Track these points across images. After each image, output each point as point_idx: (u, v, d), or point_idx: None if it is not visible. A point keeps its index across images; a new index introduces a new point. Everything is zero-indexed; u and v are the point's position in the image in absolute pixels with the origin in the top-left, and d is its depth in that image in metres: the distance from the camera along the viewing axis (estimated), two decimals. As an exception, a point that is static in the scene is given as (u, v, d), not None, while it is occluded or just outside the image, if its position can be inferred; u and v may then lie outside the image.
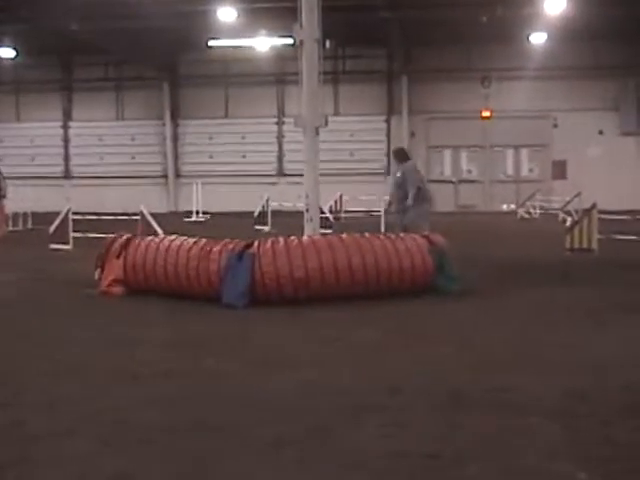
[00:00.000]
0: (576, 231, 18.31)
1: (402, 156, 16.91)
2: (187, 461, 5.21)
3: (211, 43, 39.29)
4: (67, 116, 44.79)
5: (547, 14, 32.88)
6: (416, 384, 6.92)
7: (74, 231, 20.72)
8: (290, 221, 19.26)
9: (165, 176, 43.77)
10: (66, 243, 20.26)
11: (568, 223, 21.98)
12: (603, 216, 19.04)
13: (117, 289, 12.42)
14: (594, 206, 18.29)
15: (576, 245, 18.13)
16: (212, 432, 5.75)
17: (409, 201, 15.93)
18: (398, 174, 16.46)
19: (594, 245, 18.02)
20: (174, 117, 43.58)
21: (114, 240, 12.88)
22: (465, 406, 6.27)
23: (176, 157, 43.84)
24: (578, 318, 10.20)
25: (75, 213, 21.45)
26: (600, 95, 40.31)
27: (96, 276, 12.88)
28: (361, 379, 7.15)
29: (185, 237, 12.57)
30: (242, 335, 9.31)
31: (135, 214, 16.62)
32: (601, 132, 41.03)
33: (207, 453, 5.33)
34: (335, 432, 5.69)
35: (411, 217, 15.97)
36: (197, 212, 34.27)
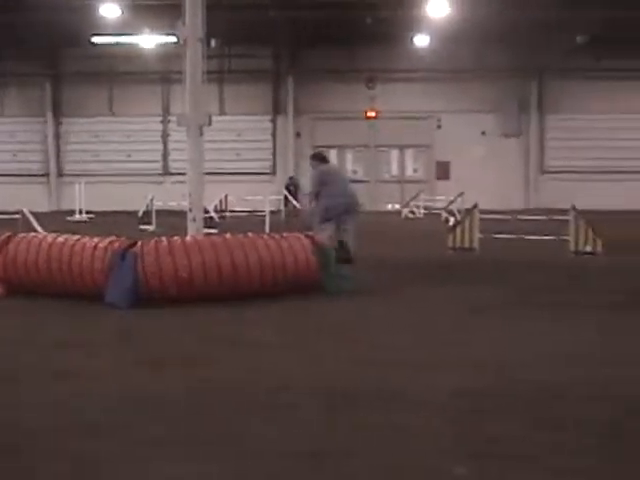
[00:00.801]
0: (458, 230, 18.61)
1: (316, 161, 16.83)
2: (67, 462, 5.13)
3: (95, 39, 38.80)
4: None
5: (431, 17, 33.37)
6: (304, 382, 6.94)
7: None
8: (175, 221, 19.14)
9: (47, 174, 43.07)
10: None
11: (451, 223, 22.37)
12: (484, 216, 19.36)
13: (-4, 289, 12.18)
14: (476, 206, 18.60)
15: (458, 244, 18.42)
16: (96, 433, 5.66)
17: (304, 204, 16.02)
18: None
19: (475, 244, 18.34)
20: (57, 115, 42.95)
21: (-7, 238, 12.61)
22: (353, 403, 6.31)
23: (58, 155, 43.19)
24: (462, 316, 10.34)
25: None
26: (483, 97, 41.12)
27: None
28: (250, 377, 7.14)
29: (69, 235, 12.39)
30: (126, 335, 9.20)
31: (15, 213, 16.32)
32: (484, 133, 41.82)
33: (91, 454, 5.24)
34: (222, 431, 5.67)
35: (313, 220, 16.01)
36: (80, 211, 33.79)
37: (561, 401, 6.41)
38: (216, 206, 29.60)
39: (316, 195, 15.95)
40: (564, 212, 19.67)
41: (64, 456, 5.24)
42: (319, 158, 17.05)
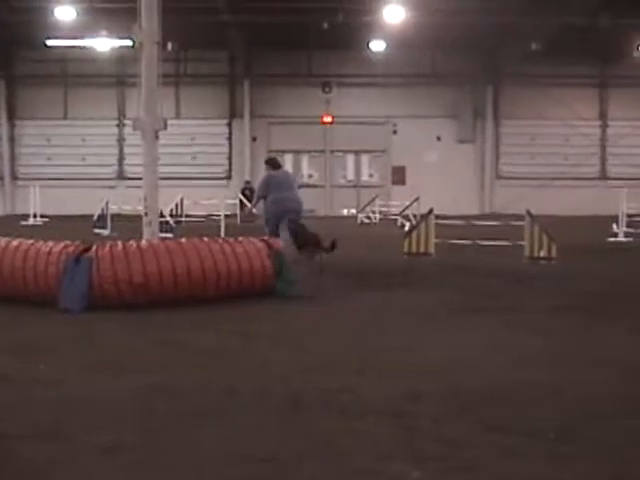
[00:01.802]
0: (414, 235, 18.66)
1: (268, 165, 17.43)
2: (19, 468, 5.11)
3: (49, 42, 38.54)
4: None
5: (387, 22, 33.46)
6: (254, 386, 6.94)
7: None
8: (130, 225, 19.05)
9: (1, 178, 42.71)
10: None
11: (406, 228, 22.43)
12: (440, 221, 19.45)
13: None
14: (431, 211, 18.67)
15: (414, 249, 18.47)
16: (45, 439, 5.62)
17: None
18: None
19: (431, 249, 18.41)
20: (10, 117, 42.59)
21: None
22: (303, 408, 6.33)
23: (12, 158, 42.84)
24: (414, 321, 10.41)
25: None
26: (438, 103, 41.34)
27: None
28: (199, 382, 7.13)
29: (23, 239, 12.30)
30: (79, 340, 9.15)
31: (-32, 217, 16.18)
32: (439, 139, 42.00)
33: (39, 460, 5.21)
34: (171, 436, 5.66)
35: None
36: (34, 215, 33.52)
37: (509, 404, 6.46)
38: (172, 210, 29.51)
39: (262, 198, 16.59)
40: (518, 217, 19.83)
41: (11, 463, 5.21)
42: (270, 163, 17.48)
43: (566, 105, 41.11)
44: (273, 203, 16.57)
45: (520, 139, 41.89)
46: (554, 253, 17.33)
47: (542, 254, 17.47)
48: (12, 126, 42.70)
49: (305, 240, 15.19)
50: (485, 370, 7.61)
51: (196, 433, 5.72)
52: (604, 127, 42.43)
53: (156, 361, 8.03)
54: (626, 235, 24.16)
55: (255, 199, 17.10)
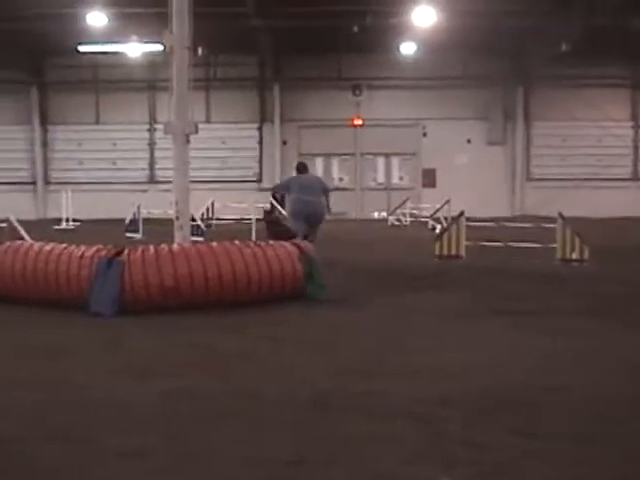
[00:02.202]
0: (445, 238, 18.62)
1: (296, 169, 18.58)
2: (42, 472, 5.13)
3: (81, 48, 38.73)
4: None
5: (417, 25, 33.38)
6: (281, 389, 6.95)
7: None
8: (162, 229, 19.10)
9: (34, 182, 42.95)
10: None
11: (437, 230, 22.37)
12: (470, 223, 19.38)
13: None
14: (462, 214, 18.62)
15: (445, 252, 18.43)
16: (69, 442, 5.65)
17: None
18: None
19: (462, 252, 18.36)
20: (43, 122, 42.80)
21: (-21, 246, 12.60)
22: (330, 411, 6.33)
23: (45, 163, 43.07)
24: (444, 324, 10.38)
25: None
26: (468, 105, 41.15)
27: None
28: (226, 385, 7.14)
29: (55, 243, 12.37)
30: (108, 343, 9.20)
31: (2, 221, 16.27)
32: (469, 141, 41.84)
33: (62, 463, 5.24)
34: (197, 439, 5.67)
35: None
36: (67, 219, 33.70)
37: (533, 408, 6.44)
38: (203, 214, 29.60)
39: (275, 197, 18.56)
40: (549, 219, 19.72)
41: (38, 464, 5.25)
42: (297, 167, 18.58)
43: (597, 106, 40.81)
44: (292, 203, 17.52)
45: (551, 141, 41.60)
46: (586, 255, 17.23)
47: (574, 256, 17.38)
48: (44, 131, 42.90)
49: (277, 234, 15.31)
50: (511, 373, 7.59)
51: (222, 436, 5.73)
52: (636, 128, 42.05)
53: (184, 364, 8.06)
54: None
55: (272, 194, 18.97)
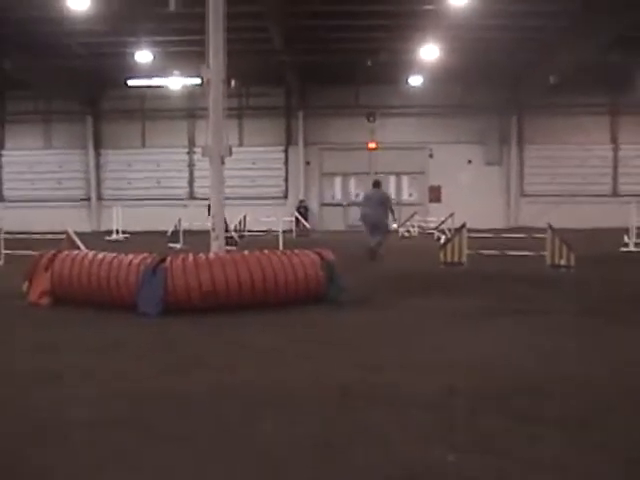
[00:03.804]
0: (449, 247, 18.55)
1: (379, 185, 21.17)
2: (107, 453, 5.11)
3: (130, 82, 38.96)
4: (0, 145, 43.89)
5: (424, 60, 33.43)
6: (308, 381, 6.90)
7: (5, 249, 20.26)
8: (199, 239, 19.08)
9: (89, 199, 43.15)
10: (-2, 260, 19.80)
11: (442, 240, 22.27)
12: (472, 234, 19.31)
13: (45, 300, 12.13)
14: (464, 226, 18.54)
15: (449, 259, 18.36)
16: (130, 428, 5.63)
17: (390, 219, 20.71)
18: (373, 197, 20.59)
19: (464, 259, 18.28)
20: (97, 147, 43.04)
21: (42, 255, 12.60)
22: (353, 400, 6.28)
23: (98, 182, 43.27)
24: (453, 323, 10.29)
25: (7, 233, 20.99)
26: (469, 130, 41.11)
27: (24, 289, 12.57)
28: (264, 378, 7.10)
29: (107, 252, 12.37)
30: (156, 339, 9.16)
31: (61, 233, 16.29)
32: (470, 161, 41.76)
33: (125, 446, 5.23)
34: (237, 425, 5.65)
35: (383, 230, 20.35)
36: (117, 231, 33.78)
37: (536, 396, 6.36)
38: (236, 226, 29.61)
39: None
40: (540, 230, 19.62)
41: (94, 448, 5.24)
42: (373, 184, 21.38)
43: (582, 131, 40.77)
44: (360, 214, 20.67)
45: (542, 161, 41.50)
46: (573, 261, 17.12)
47: (562, 262, 17.27)
48: (98, 155, 43.07)
49: None
50: (515, 366, 7.50)
51: (258, 425, 5.69)
52: (616, 150, 41.84)
53: (227, 360, 7.98)
54: (636, 245, 23.81)
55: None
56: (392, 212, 20.67)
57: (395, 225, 21.07)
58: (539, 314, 10.84)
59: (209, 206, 13.68)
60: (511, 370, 7.34)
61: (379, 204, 20.13)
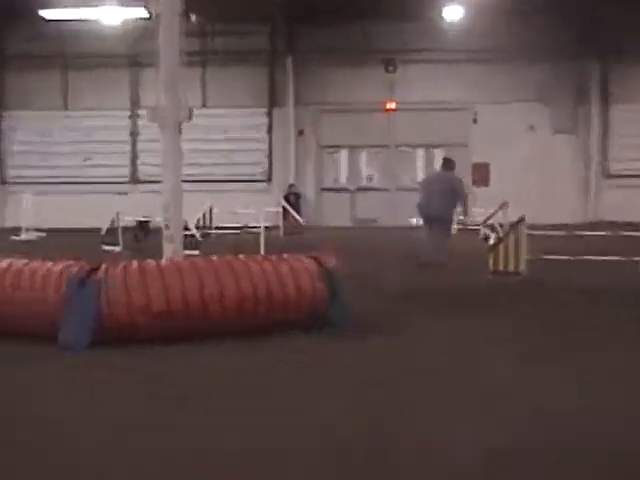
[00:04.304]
0: (501, 250, 18.62)
1: (450, 165, 21.42)
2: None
3: (45, 14, 38.88)
4: None
5: (464, -16, 33.53)
6: (317, 441, 6.98)
7: None
8: (147, 239, 19.18)
9: (-13, 183, 43.29)
10: None
11: (491, 240, 22.38)
12: (533, 232, 19.37)
13: None
14: (522, 220, 18.61)
15: (500, 267, 18.43)
16: None
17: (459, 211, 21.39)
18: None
19: (522, 267, 18.33)
20: (-1, 107, 43.11)
21: None
22: (380, 463, 6.35)
23: (1, 158, 43.28)
24: (499, 356, 10.29)
25: None
26: (529, 84, 41.16)
27: None
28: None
29: (15, 258, 12.37)
30: (81, 389, 9.02)
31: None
32: (531, 128, 41.70)
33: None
34: None
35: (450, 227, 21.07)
36: (27, 229, 33.78)
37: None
38: (198, 221, 29.67)
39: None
40: (633, 226, 19.69)
41: None
42: (442, 163, 22.28)
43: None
44: (417, 204, 20.78)
45: (635, 128, 41.42)
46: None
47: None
48: (0, 118, 43.14)
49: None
50: (588, 423, 7.56)
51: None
52: None
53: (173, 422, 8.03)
54: None
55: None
56: (464, 203, 20.67)
57: (462, 217, 21.12)
58: (626, 351, 10.72)
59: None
60: (583, 425, 7.37)
61: (445, 191, 20.17)
